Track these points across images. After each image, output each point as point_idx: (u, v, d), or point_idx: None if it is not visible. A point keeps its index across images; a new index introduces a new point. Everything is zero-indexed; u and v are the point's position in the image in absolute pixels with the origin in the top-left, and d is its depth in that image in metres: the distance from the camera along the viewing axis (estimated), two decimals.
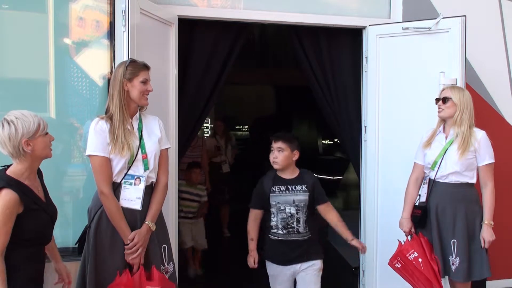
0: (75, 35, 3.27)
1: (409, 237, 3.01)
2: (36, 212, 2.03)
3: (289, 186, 2.79)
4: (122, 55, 2.86)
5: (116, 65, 3.16)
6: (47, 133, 2.10)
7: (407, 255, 2.88)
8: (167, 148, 2.57)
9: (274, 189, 2.78)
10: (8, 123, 1.99)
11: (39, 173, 2.20)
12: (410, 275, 2.90)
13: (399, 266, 2.92)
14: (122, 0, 2.86)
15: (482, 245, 2.81)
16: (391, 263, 2.97)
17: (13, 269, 1.97)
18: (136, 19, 2.90)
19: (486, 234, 2.80)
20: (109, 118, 2.38)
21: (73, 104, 3.29)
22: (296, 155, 2.83)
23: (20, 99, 3.18)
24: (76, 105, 3.29)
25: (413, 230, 3.01)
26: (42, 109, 3.27)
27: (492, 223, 2.82)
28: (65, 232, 3.28)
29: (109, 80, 3.21)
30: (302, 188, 2.79)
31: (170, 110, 3.29)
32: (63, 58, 3.26)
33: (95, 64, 3.29)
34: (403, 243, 2.96)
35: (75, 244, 2.51)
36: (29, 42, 3.22)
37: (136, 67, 2.44)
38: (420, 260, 2.84)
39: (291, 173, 2.84)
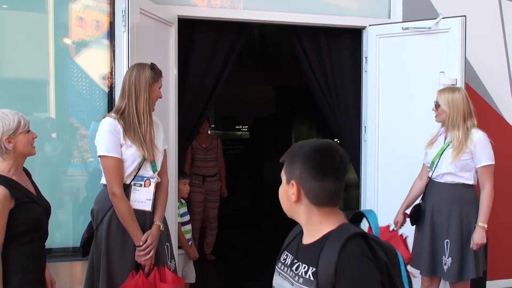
0: (75, 35, 3.28)
1: (395, 228, 3.06)
2: (29, 204, 2.04)
3: (295, 261, 1.38)
4: (122, 55, 2.86)
5: (116, 65, 3.17)
6: (29, 131, 2.10)
7: None
8: (165, 149, 2.59)
9: (280, 259, 1.44)
10: None
11: (27, 173, 2.21)
12: None
13: None
14: (122, 0, 2.86)
15: (471, 246, 2.80)
16: None
17: (14, 268, 1.98)
18: (136, 19, 2.90)
19: (477, 236, 2.78)
20: (121, 118, 2.36)
21: (73, 104, 3.29)
22: (296, 192, 1.33)
23: (20, 99, 3.18)
24: (76, 105, 3.29)
25: (396, 227, 3.04)
26: (42, 109, 3.28)
27: (486, 226, 2.79)
28: (65, 232, 3.28)
29: (111, 84, 3.23)
30: (306, 271, 1.32)
31: (170, 110, 3.30)
32: (63, 58, 3.26)
33: (95, 64, 3.29)
34: (390, 229, 3.01)
35: (80, 246, 2.49)
36: (29, 42, 3.22)
37: (157, 72, 2.46)
38: None
39: (311, 233, 1.36)
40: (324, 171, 1.30)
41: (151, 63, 2.48)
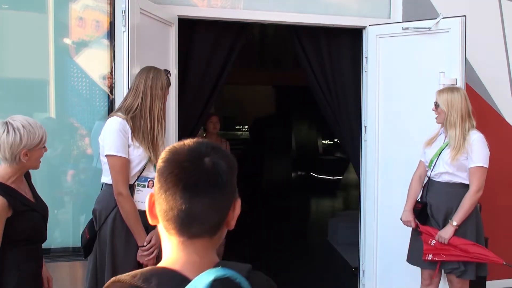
0: (75, 35, 3.28)
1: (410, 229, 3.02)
2: (26, 213, 2.02)
3: None
4: (122, 55, 2.86)
5: (116, 65, 3.18)
6: (44, 146, 2.08)
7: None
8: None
9: None
10: (14, 131, 1.95)
11: (27, 175, 2.18)
12: (463, 250, 2.79)
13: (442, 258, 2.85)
14: (122, 0, 2.86)
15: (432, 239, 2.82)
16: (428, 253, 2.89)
17: (11, 269, 1.97)
18: (136, 19, 2.90)
19: (443, 233, 2.80)
20: (131, 118, 2.35)
21: (73, 104, 3.29)
22: (148, 205, 0.98)
23: (20, 99, 3.18)
24: (76, 105, 3.29)
25: (414, 225, 3.00)
26: (42, 109, 3.28)
27: (455, 224, 2.78)
28: (65, 232, 3.28)
29: (111, 84, 3.23)
30: None
31: (170, 110, 3.29)
32: (63, 58, 3.26)
33: (95, 64, 3.29)
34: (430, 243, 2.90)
35: (82, 247, 2.49)
36: (29, 42, 3.22)
37: (169, 79, 2.49)
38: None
39: None
40: (171, 182, 0.89)
41: (165, 70, 2.50)
